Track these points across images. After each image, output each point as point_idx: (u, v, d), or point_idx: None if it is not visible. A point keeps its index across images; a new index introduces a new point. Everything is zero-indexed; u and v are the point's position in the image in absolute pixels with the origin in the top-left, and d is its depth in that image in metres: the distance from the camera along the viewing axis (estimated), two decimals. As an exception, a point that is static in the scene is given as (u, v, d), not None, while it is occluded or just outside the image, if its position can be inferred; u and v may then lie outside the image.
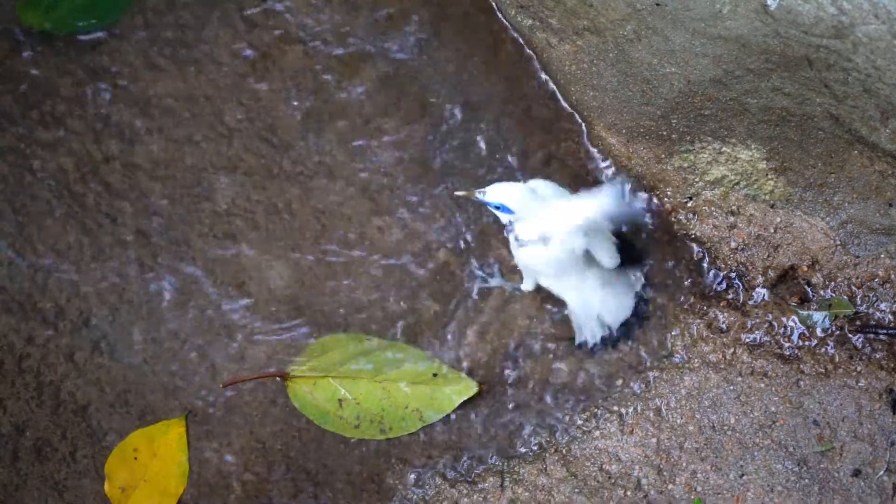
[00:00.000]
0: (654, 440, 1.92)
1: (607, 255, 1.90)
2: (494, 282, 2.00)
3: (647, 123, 1.97)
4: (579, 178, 2.04)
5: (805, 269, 1.97)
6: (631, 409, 1.94)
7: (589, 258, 1.90)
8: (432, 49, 2.10)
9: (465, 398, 1.95)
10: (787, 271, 1.98)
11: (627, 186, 1.98)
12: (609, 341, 1.96)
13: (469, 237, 2.02)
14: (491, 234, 2.01)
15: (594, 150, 2.04)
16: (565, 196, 1.89)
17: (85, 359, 1.99)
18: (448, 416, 1.96)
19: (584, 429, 1.94)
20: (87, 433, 1.97)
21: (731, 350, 1.95)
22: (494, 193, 1.85)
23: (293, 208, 2.04)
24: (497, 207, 1.86)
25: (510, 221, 1.87)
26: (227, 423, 1.97)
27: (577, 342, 1.95)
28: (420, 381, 1.96)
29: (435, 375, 1.96)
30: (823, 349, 1.94)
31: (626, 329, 1.96)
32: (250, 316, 2.00)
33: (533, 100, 2.07)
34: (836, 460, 1.90)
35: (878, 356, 1.93)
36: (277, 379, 1.97)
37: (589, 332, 1.93)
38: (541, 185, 1.90)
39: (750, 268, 1.98)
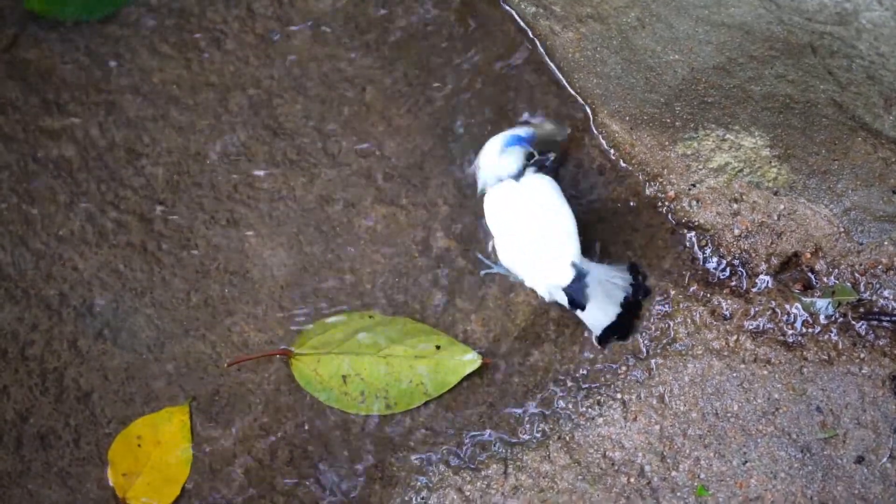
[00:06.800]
0: (658, 427, 1.92)
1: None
2: (497, 268, 2.00)
3: (650, 111, 1.97)
4: (582, 166, 2.04)
5: (808, 256, 1.97)
6: (634, 397, 1.94)
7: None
8: (434, 37, 2.10)
9: (469, 371, 1.95)
10: (790, 258, 1.98)
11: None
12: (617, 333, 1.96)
13: (472, 224, 2.03)
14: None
15: (598, 137, 2.04)
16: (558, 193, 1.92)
17: (88, 346, 1.99)
18: (451, 402, 1.96)
19: (588, 416, 1.94)
20: (91, 420, 1.97)
21: (735, 337, 1.95)
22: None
23: (297, 195, 2.04)
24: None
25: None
26: (230, 410, 1.97)
27: (594, 337, 1.96)
28: (424, 354, 1.96)
29: (438, 348, 1.96)
30: (827, 336, 1.94)
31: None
32: (254, 303, 2.00)
33: (536, 88, 2.07)
34: (839, 447, 1.90)
35: (881, 343, 1.93)
36: (280, 366, 1.97)
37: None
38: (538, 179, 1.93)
39: (753, 255, 1.98)
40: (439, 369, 1.95)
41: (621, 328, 1.94)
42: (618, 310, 1.93)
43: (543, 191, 1.93)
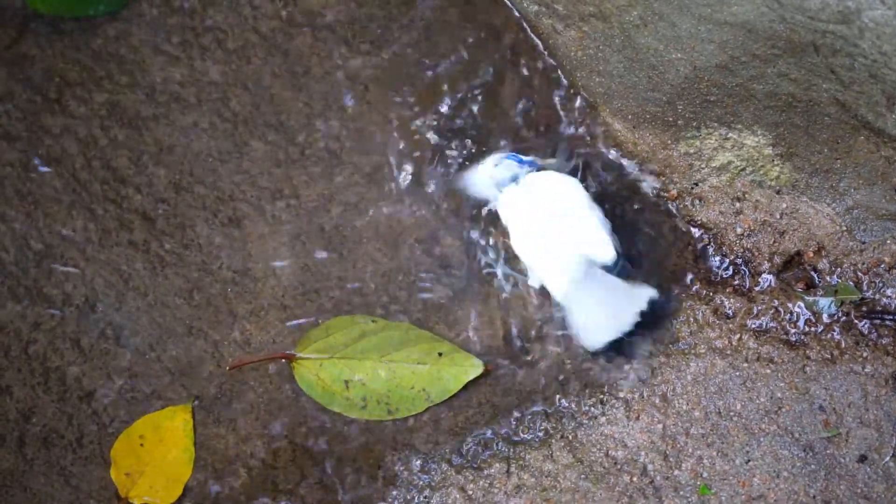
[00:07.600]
0: (660, 426, 1.92)
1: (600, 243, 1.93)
2: (500, 267, 2.00)
3: (653, 109, 1.97)
4: (585, 165, 2.04)
5: (811, 254, 1.97)
6: (637, 395, 1.94)
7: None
8: (435, 35, 2.10)
9: (471, 377, 1.95)
10: (793, 257, 1.98)
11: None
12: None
13: (475, 223, 2.02)
14: (497, 219, 2.01)
15: (600, 136, 2.04)
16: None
17: (91, 345, 1.99)
18: (454, 401, 1.96)
19: (591, 415, 1.94)
20: (94, 419, 1.97)
21: (738, 336, 1.95)
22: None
23: (299, 193, 2.04)
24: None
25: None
26: (233, 409, 1.97)
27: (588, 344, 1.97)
28: (426, 360, 1.96)
29: (440, 355, 1.96)
30: (829, 335, 1.94)
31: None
32: (256, 302, 2.00)
33: (538, 86, 2.07)
34: (842, 446, 1.90)
35: (884, 342, 1.93)
36: (283, 365, 1.98)
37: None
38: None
39: (756, 254, 1.98)
40: (442, 375, 1.95)
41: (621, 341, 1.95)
42: (626, 325, 1.94)
43: (562, 187, 1.95)
